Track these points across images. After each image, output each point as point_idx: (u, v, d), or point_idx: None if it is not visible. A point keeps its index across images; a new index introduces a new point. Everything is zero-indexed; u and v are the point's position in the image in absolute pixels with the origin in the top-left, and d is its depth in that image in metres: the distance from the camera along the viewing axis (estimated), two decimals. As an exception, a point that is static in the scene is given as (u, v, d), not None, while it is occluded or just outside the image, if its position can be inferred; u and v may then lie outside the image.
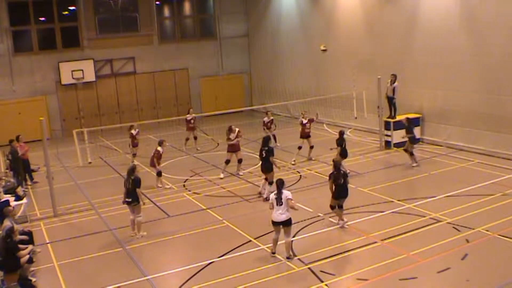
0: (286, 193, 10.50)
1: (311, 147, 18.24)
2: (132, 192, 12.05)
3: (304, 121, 18.19)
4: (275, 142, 20.17)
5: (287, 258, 10.58)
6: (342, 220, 12.12)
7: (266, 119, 20.19)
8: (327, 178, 12.28)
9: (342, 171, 12.05)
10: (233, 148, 16.81)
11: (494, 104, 17.18)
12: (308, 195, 14.60)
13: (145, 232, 12.50)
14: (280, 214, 10.37)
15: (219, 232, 12.37)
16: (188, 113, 21.14)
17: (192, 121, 20.88)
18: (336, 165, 11.98)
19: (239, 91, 31.26)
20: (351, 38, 23.27)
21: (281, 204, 10.36)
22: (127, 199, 12.15)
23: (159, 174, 16.29)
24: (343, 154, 15.65)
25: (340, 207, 12.03)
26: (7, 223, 11.07)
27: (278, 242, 10.71)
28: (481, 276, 9.62)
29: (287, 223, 10.42)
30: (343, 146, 15.75)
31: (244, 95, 31.39)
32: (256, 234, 11.92)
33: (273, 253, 10.78)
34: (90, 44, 27.44)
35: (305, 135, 18.31)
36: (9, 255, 10.00)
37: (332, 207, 12.05)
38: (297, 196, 14.38)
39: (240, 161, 16.93)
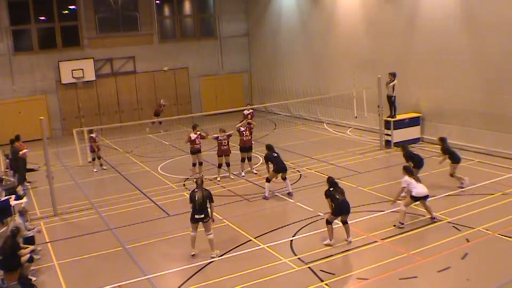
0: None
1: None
2: None
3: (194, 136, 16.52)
4: None
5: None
6: (349, 236, 11.18)
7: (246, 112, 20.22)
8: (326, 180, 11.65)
9: (339, 187, 11.22)
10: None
11: (494, 104, 17.16)
12: (308, 194, 14.59)
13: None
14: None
15: (219, 232, 12.33)
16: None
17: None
18: (331, 181, 11.32)
19: (239, 90, 31.23)
20: (351, 38, 23.25)
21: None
22: None
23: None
24: (455, 159, 14.26)
25: (345, 222, 11.17)
26: (19, 220, 11.12)
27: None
28: (481, 275, 9.62)
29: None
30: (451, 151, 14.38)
31: (244, 95, 31.32)
32: (256, 234, 11.93)
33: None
34: (90, 43, 27.43)
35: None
36: (10, 253, 10.00)
37: (328, 222, 11.06)
38: (297, 195, 14.49)
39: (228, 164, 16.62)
